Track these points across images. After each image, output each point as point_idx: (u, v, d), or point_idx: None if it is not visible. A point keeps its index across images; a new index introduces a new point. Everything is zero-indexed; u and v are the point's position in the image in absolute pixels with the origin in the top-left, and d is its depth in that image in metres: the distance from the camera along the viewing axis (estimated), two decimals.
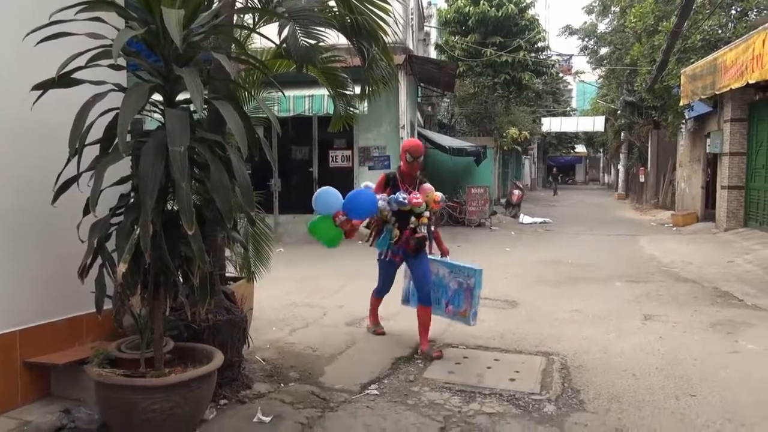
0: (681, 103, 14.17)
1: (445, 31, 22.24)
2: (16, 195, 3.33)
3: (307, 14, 3.84)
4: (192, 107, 3.08)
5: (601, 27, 25.04)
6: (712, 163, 15.20)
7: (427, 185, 4.82)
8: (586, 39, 25.53)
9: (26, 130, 3.37)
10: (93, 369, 3.03)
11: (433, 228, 4.86)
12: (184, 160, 2.55)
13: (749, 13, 14.75)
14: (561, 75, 34.00)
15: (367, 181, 5.22)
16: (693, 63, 13.36)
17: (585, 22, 26.38)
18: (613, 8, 22.54)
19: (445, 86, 16.63)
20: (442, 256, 5.03)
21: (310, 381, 4.17)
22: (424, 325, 4.80)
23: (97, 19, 2.94)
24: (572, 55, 32.58)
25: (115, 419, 3.05)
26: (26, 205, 3.36)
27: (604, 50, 25.30)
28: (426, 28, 20.97)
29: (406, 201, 4.59)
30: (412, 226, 4.69)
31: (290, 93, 10.54)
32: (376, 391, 3.99)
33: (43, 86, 2.80)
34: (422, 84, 16.75)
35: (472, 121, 23.04)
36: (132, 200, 2.92)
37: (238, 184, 2.83)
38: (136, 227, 2.80)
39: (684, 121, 16.94)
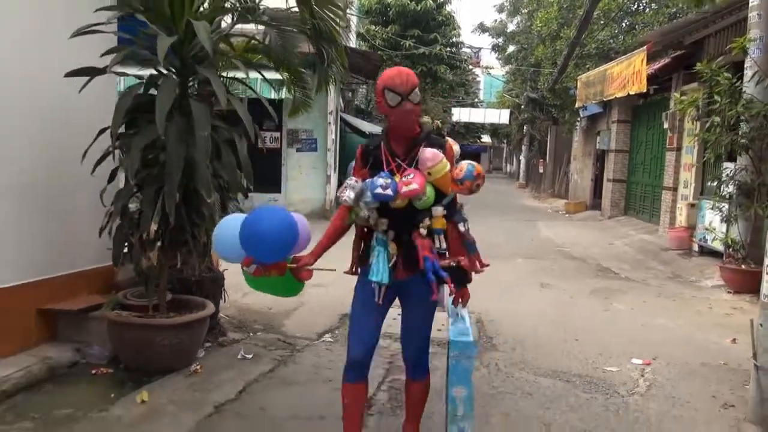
0: (576, 105, 15.91)
1: (366, 20, 23.02)
2: (45, 169, 3.83)
3: (283, 20, 4.53)
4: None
5: (511, 26, 26.81)
6: (600, 158, 17.13)
7: (429, 152, 2.51)
8: (497, 37, 27.21)
9: (49, 114, 3.85)
10: (111, 312, 3.65)
11: (459, 232, 2.69)
12: (208, 143, 3.24)
13: (636, 27, 16.72)
14: (470, 67, 35.81)
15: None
16: (588, 68, 15.07)
17: (496, 20, 28.10)
18: (522, 9, 24.28)
19: (367, 74, 17.43)
20: (450, 294, 2.79)
21: (273, 331, 4.93)
22: (415, 408, 2.90)
23: (122, 19, 3.54)
24: (481, 48, 34.39)
25: (130, 354, 3.69)
26: (48, 177, 3.87)
27: (512, 48, 27.10)
28: (348, 15, 21.62)
29: (390, 192, 2.45)
30: (422, 230, 2.55)
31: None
32: (330, 339, 4.82)
33: (77, 74, 3.36)
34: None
35: None
36: (154, 173, 3.54)
37: (243, 164, 3.55)
38: (158, 196, 3.45)
39: (579, 120, 18.84)
